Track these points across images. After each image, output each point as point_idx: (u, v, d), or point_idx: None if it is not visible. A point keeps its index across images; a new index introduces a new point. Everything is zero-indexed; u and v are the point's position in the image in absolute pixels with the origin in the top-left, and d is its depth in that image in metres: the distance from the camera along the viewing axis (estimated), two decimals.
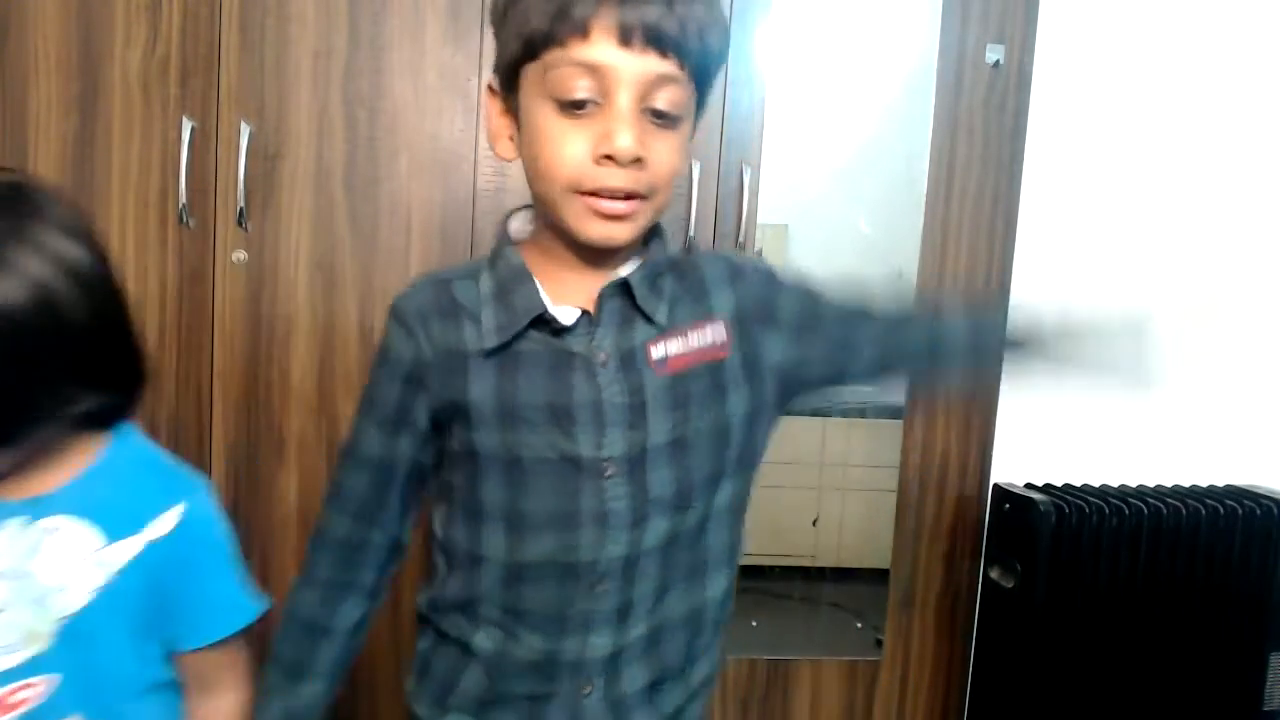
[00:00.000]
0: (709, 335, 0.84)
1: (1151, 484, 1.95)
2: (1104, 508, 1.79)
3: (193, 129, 1.61)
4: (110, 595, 0.86)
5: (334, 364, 1.70)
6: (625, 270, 0.83)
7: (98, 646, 0.87)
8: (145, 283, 1.63)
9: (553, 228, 0.82)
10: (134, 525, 0.87)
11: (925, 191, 1.86)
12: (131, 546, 0.86)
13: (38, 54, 1.58)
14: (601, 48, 0.73)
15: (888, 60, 1.93)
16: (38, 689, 0.86)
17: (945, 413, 1.92)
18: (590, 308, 0.82)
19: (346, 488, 0.90)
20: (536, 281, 0.82)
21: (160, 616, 0.89)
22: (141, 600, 0.88)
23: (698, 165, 1.72)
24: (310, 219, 1.67)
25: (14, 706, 0.86)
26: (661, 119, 0.76)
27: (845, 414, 2.18)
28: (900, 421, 1.92)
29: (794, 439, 2.18)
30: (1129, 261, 1.95)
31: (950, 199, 1.87)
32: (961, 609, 1.97)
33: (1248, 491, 1.91)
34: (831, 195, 2.02)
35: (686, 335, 0.83)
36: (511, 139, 0.82)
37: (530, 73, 0.77)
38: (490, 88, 0.83)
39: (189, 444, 1.68)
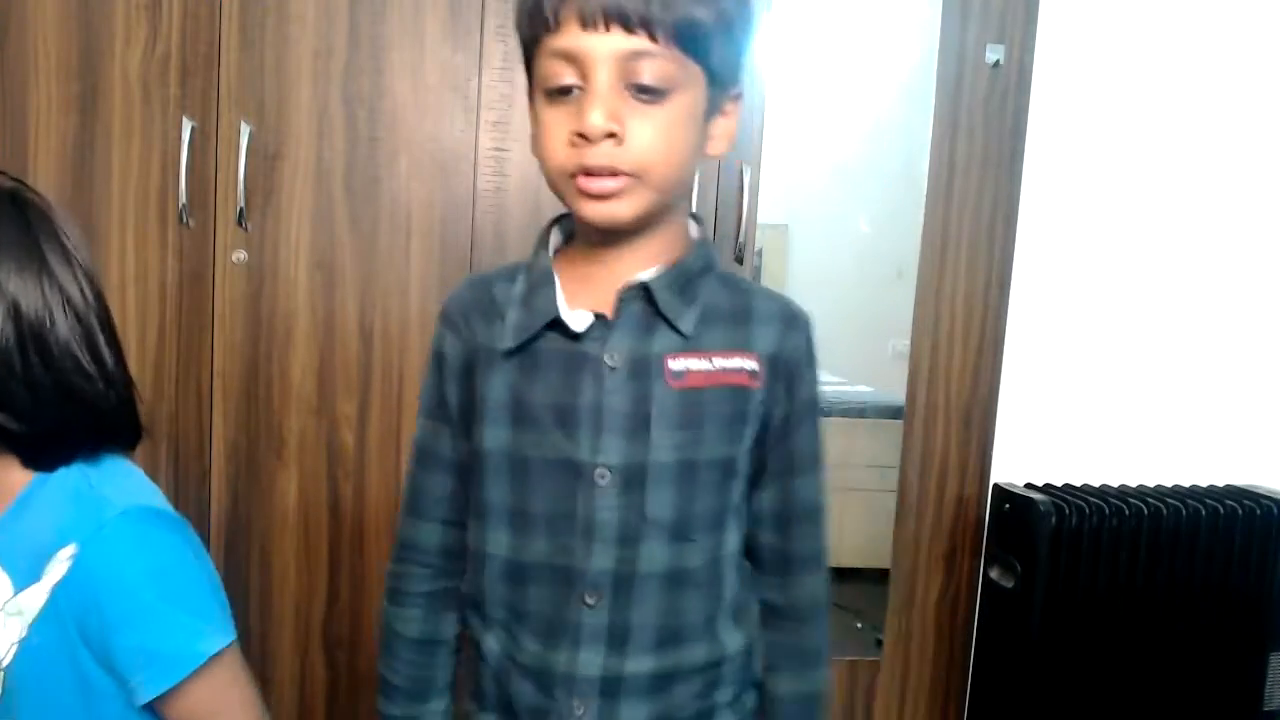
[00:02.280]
0: (738, 362, 0.83)
1: (1151, 484, 1.95)
2: (1104, 508, 1.78)
3: (193, 129, 1.61)
4: (33, 649, 0.79)
5: (334, 364, 1.70)
6: (649, 274, 0.82)
7: (45, 701, 0.80)
8: (145, 283, 1.64)
9: (578, 226, 0.85)
10: (36, 570, 0.78)
11: (925, 191, 1.86)
12: (38, 594, 0.79)
13: (38, 54, 1.58)
14: (570, 35, 0.76)
15: (888, 60, 1.93)
16: None
17: (945, 413, 1.92)
18: (610, 312, 0.82)
19: (421, 491, 0.92)
20: (557, 284, 0.83)
21: (104, 668, 0.79)
22: (69, 651, 0.79)
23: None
24: (310, 219, 1.67)
25: None
26: (648, 94, 0.77)
27: (845, 414, 2.18)
28: (900, 421, 1.92)
29: None
30: (1129, 261, 1.95)
31: (950, 199, 1.87)
32: (961, 609, 1.96)
33: (1248, 491, 1.91)
34: (831, 195, 2.02)
35: (713, 358, 0.83)
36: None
37: (532, 73, 0.81)
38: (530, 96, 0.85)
39: (189, 444, 1.69)
